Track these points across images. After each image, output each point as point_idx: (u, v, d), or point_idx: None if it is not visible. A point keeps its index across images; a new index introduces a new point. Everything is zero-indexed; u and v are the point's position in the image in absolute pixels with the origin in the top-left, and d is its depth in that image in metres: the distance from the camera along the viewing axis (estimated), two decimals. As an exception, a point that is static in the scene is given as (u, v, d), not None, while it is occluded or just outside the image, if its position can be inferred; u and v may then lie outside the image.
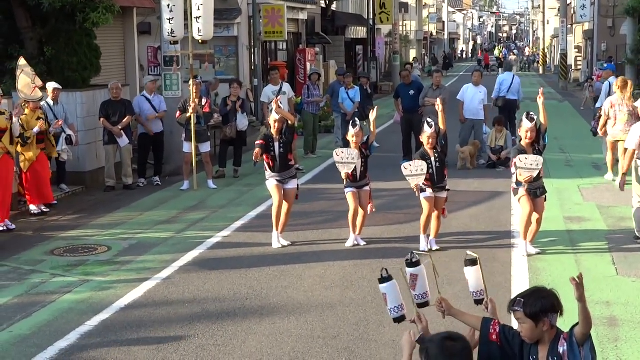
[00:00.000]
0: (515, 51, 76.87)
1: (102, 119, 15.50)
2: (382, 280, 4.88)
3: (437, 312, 4.95)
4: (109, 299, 9.01)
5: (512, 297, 8.40)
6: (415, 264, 4.97)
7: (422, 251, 10.52)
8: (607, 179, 15.73)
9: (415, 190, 10.51)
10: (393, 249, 10.94)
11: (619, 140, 15.02)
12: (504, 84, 20.15)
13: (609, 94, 16.67)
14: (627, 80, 15.83)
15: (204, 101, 16.05)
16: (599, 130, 16.02)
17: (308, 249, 11.12)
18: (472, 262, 5.06)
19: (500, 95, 20.03)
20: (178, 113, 15.80)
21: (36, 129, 13.46)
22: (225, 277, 9.75)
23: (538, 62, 77.94)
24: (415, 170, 10.34)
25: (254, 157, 10.99)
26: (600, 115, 15.99)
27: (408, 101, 18.52)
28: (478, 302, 5.04)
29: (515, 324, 4.54)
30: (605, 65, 21.98)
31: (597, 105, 17.97)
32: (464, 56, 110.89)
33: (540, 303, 4.40)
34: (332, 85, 21.66)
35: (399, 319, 4.89)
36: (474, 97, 18.19)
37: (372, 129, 11.19)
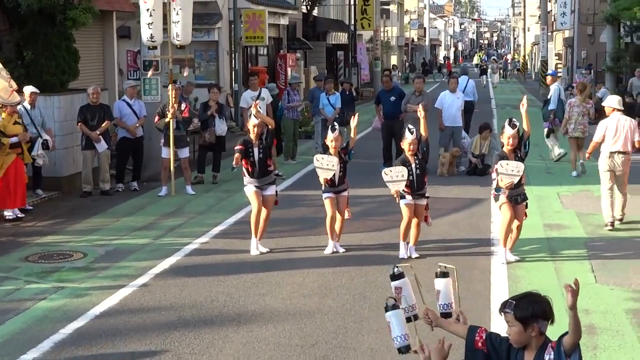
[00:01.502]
0: (495, 57, 77.08)
1: (79, 124, 15.38)
2: (387, 308, 4.76)
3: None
4: (84, 306, 8.90)
5: (491, 304, 8.38)
6: (399, 277, 4.89)
7: (402, 258, 10.50)
8: (573, 175, 17.13)
9: (395, 196, 10.47)
10: (372, 256, 10.89)
11: (576, 137, 17.46)
12: (459, 86, 20.60)
13: (559, 97, 19.47)
14: (586, 85, 18.75)
15: (183, 106, 15.95)
16: (561, 129, 18.10)
17: (286, 256, 11.05)
18: (445, 274, 4.99)
19: None
20: (157, 118, 15.70)
21: (14, 139, 13.36)
22: (202, 285, 9.66)
23: (519, 69, 78.26)
24: (396, 176, 10.30)
25: (234, 162, 10.91)
26: (554, 117, 19.10)
27: (389, 107, 18.51)
28: (445, 315, 4.94)
29: (500, 331, 4.49)
30: (550, 71, 22.79)
31: (550, 107, 19.56)
32: (446, 62, 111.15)
33: (531, 307, 4.35)
34: (311, 91, 21.61)
35: (404, 349, 4.72)
36: (452, 104, 18.26)
37: (352, 135, 11.15)
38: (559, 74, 50.37)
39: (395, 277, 4.88)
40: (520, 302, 4.39)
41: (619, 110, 12.69)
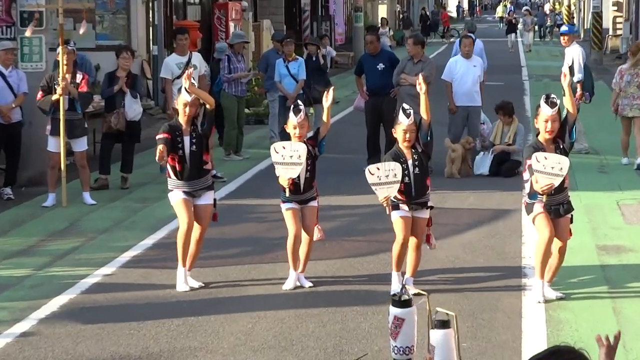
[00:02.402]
0: (529, 8, 77.32)
1: None
2: None
3: None
4: None
5: (523, 361, 8.40)
6: (405, 304, 4.92)
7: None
8: (623, 163, 18.62)
9: (385, 205, 10.48)
10: (352, 293, 10.92)
11: (632, 117, 18.73)
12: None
13: (584, 63, 20.04)
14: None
15: (79, 77, 15.89)
16: (611, 106, 19.08)
17: (229, 292, 11.06)
18: (443, 324, 5.01)
19: None
20: (40, 94, 15.63)
21: None
22: (107, 334, 9.64)
23: (560, 25, 78.67)
24: (385, 177, 10.30)
25: (157, 158, 10.84)
26: (582, 92, 19.67)
27: (375, 79, 18.54)
28: None
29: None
30: (565, 27, 22.58)
31: (576, 79, 19.70)
32: (461, 15, 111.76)
33: None
34: (265, 56, 21.60)
35: None
36: (465, 75, 18.33)
37: (325, 118, 11.15)
38: (616, 32, 50.71)
39: (399, 303, 4.90)
40: None
41: None
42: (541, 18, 77.03)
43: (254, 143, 21.24)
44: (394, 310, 4.94)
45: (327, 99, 11.13)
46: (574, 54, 19.93)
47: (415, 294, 5.01)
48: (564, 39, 20.80)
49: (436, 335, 4.99)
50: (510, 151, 17.77)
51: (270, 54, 21.22)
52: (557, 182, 10.10)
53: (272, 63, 20.29)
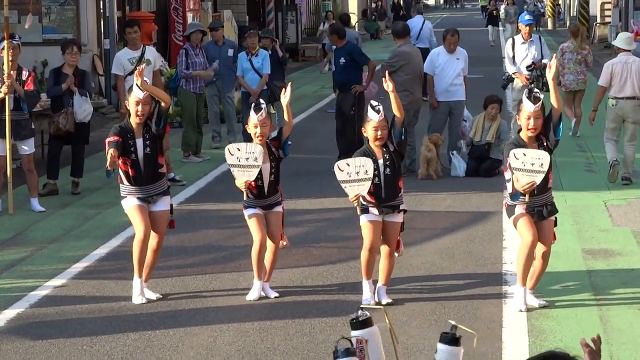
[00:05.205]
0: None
1: None
2: (337, 354, 4.84)
3: None
4: None
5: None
6: (364, 324, 4.97)
7: (367, 304, 10.49)
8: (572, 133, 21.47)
9: (355, 204, 10.49)
10: (321, 304, 10.97)
11: (575, 91, 21.60)
12: (413, 30, 22.80)
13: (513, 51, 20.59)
14: (579, 26, 23.59)
15: (24, 74, 15.86)
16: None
17: (189, 304, 11.08)
18: (454, 341, 5.05)
19: None
20: (-18, 93, 15.61)
21: None
22: (58, 350, 9.65)
23: (542, 14, 78.80)
24: (356, 173, 10.29)
25: (108, 163, 10.80)
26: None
27: (337, 73, 18.59)
28: None
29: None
30: (526, 17, 21.75)
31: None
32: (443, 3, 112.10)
33: None
34: (204, 48, 21.66)
35: None
36: (446, 68, 18.32)
37: (286, 116, 11.16)
38: (605, 20, 50.83)
39: (358, 324, 4.96)
40: None
41: (626, 50, 16.22)
42: (520, 5, 76.70)
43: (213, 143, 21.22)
44: (354, 333, 4.99)
45: (285, 95, 11.12)
46: (542, 43, 20.53)
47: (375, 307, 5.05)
48: (526, 30, 20.26)
49: (445, 352, 5.02)
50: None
51: (209, 46, 21.19)
52: (538, 179, 10.12)
53: (210, 55, 20.37)
